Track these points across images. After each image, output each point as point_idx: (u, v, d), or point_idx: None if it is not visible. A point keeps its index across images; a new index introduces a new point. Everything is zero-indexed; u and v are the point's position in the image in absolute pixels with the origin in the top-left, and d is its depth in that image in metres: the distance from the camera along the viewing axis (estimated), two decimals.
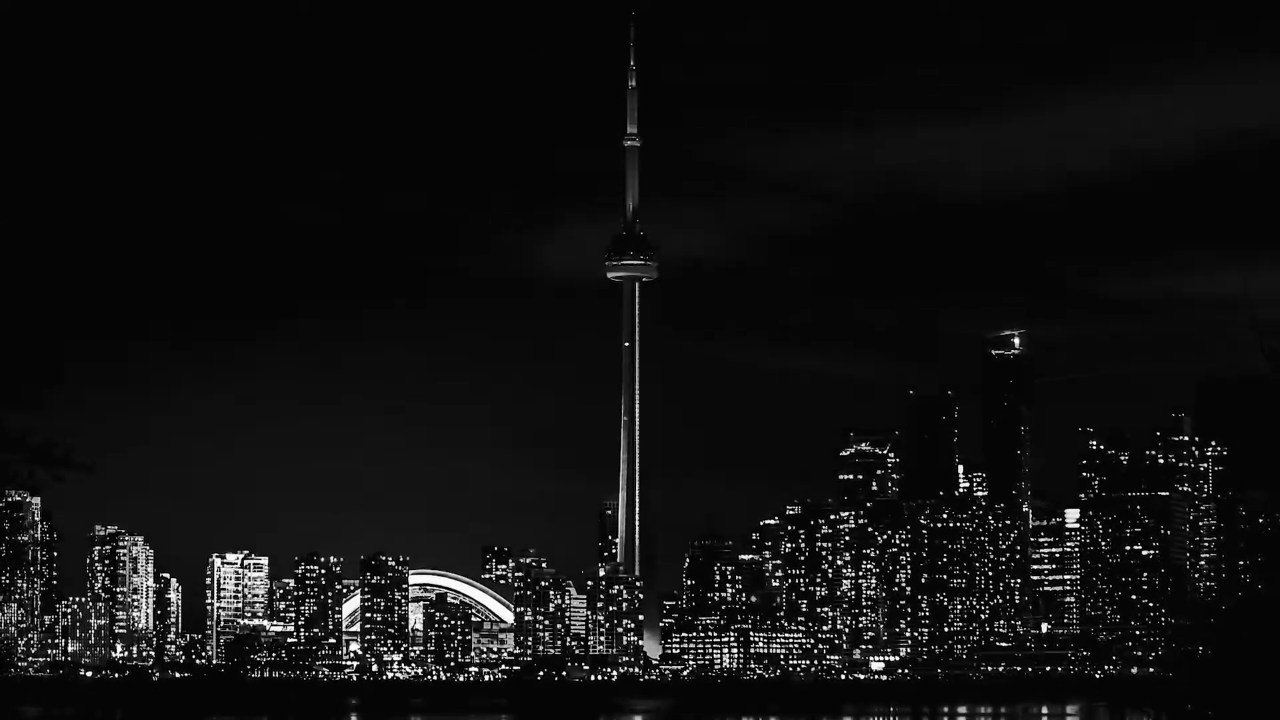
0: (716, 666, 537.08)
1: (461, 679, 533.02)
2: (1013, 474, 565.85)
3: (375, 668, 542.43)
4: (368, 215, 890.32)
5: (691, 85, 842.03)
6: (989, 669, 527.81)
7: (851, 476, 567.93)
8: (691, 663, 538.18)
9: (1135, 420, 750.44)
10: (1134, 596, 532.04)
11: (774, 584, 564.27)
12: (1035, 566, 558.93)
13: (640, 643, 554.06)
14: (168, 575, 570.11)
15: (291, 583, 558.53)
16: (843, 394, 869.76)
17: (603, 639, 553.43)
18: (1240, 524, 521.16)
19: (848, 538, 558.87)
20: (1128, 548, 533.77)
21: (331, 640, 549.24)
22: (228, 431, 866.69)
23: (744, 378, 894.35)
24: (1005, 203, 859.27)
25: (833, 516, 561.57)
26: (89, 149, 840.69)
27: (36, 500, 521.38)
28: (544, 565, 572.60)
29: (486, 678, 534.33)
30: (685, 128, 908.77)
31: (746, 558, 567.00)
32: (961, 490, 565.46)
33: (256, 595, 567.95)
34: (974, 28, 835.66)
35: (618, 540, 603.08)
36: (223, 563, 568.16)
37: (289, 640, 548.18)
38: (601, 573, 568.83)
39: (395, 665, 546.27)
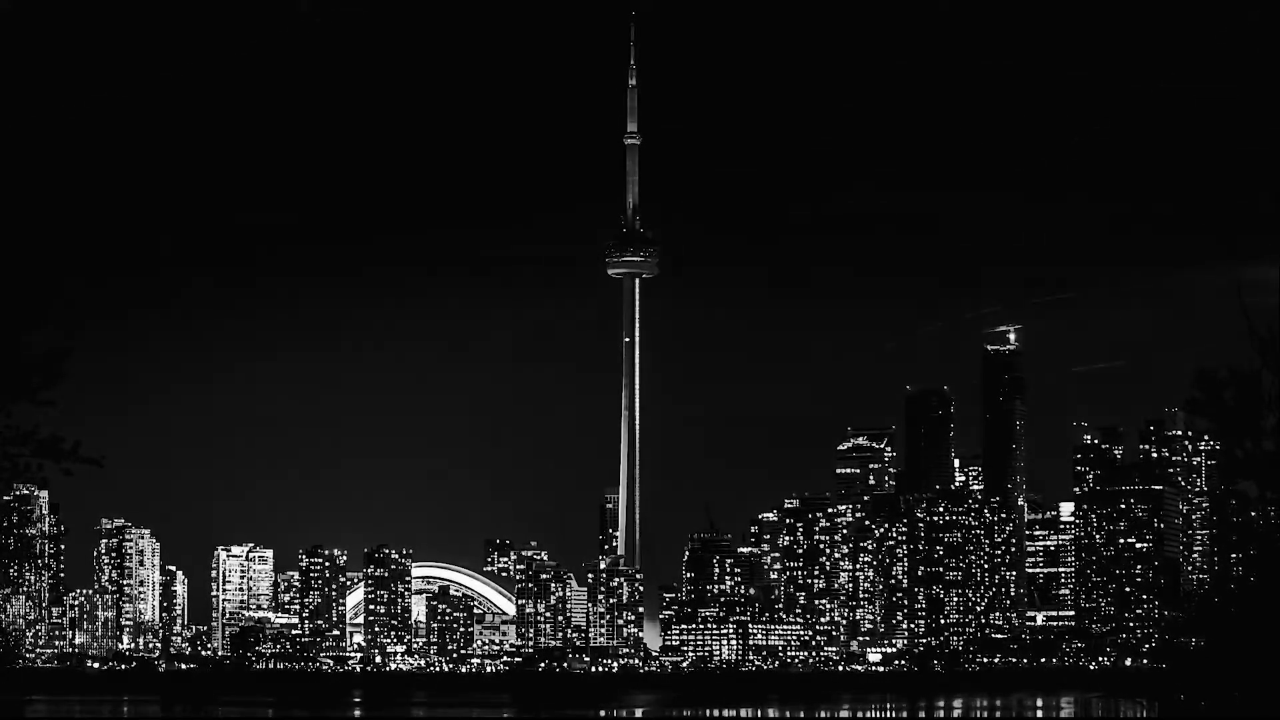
0: (715, 658, 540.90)
1: (464, 670, 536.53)
2: (1008, 468, 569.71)
3: (378, 659, 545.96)
4: (368, 213, 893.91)
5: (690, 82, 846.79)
6: (984, 660, 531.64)
7: (849, 470, 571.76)
8: (691, 654, 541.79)
9: (1128, 415, 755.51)
10: (1128, 589, 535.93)
11: (772, 576, 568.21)
12: (1030, 559, 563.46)
13: (640, 634, 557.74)
14: (174, 568, 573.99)
15: (296, 575, 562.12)
16: (841, 388, 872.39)
17: (603, 631, 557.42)
18: (1232, 517, 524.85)
19: (845, 531, 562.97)
20: (1121, 540, 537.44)
21: (335, 632, 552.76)
22: (233, 426, 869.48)
23: (743, 372, 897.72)
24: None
25: (830, 510, 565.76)
26: (97, 145, 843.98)
27: (44, 494, 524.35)
28: (545, 558, 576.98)
29: (488, 669, 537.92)
30: (685, 124, 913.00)
31: (745, 550, 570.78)
32: (958, 484, 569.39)
33: (261, 588, 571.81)
34: None
35: (618, 533, 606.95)
36: (228, 555, 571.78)
37: (293, 632, 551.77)
38: (602, 565, 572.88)
39: (398, 657, 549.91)
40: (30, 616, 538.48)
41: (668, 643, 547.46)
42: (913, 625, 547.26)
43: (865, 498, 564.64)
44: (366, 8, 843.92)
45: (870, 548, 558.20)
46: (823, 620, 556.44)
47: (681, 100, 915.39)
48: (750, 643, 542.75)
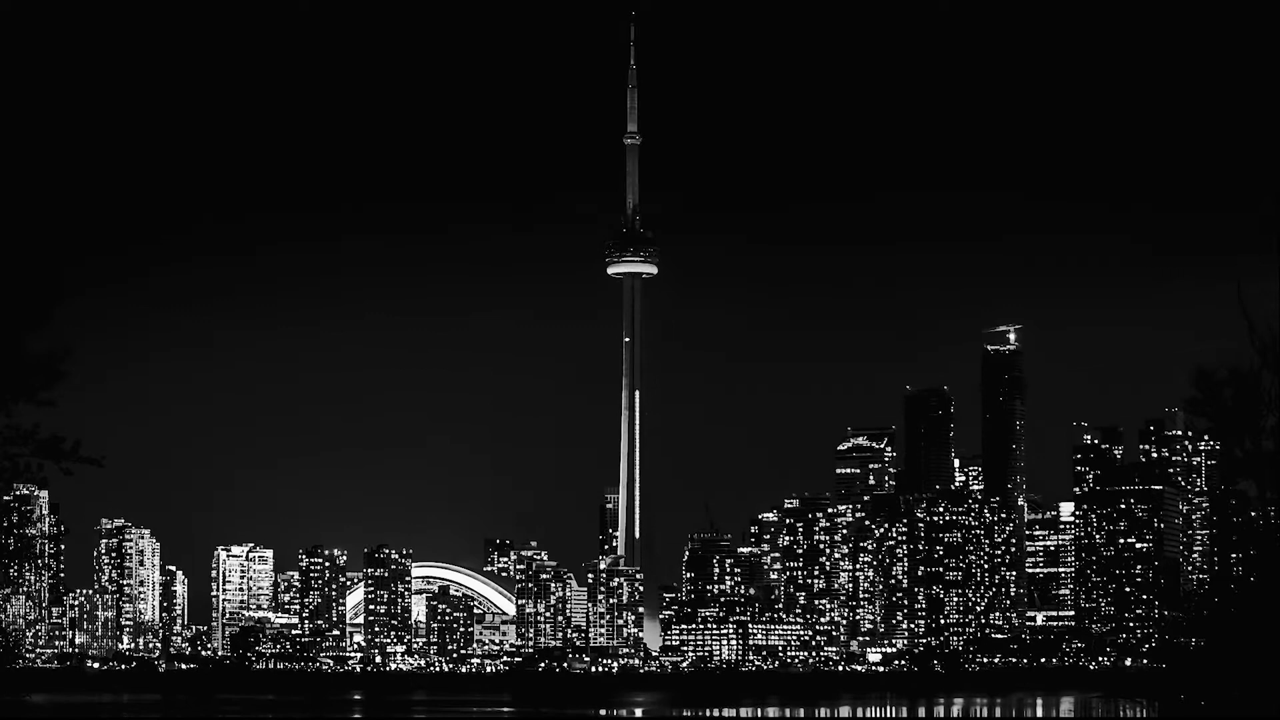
0: (715, 658, 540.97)
1: (464, 670, 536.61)
2: (1008, 468, 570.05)
3: (378, 659, 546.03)
4: (369, 212, 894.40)
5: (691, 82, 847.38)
6: (984, 660, 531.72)
7: (849, 470, 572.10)
8: (691, 654, 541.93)
9: (1129, 415, 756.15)
10: (1128, 589, 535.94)
11: (772, 576, 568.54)
12: (1030, 559, 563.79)
13: (640, 634, 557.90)
14: (174, 568, 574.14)
15: (296, 575, 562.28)
16: (841, 389, 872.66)
17: (603, 631, 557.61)
18: (1232, 517, 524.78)
19: (845, 531, 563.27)
20: (1121, 541, 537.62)
21: (335, 632, 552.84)
22: (233, 426, 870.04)
23: (743, 372, 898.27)
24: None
25: (830, 510, 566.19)
26: (96, 144, 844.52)
27: (44, 494, 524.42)
28: (545, 558, 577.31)
29: (488, 669, 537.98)
30: (685, 124, 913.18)
31: (745, 550, 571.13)
32: (958, 484, 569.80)
33: (261, 587, 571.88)
34: None
35: (618, 533, 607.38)
36: (228, 555, 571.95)
37: (293, 632, 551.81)
38: (602, 565, 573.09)
39: (398, 657, 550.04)
40: (30, 616, 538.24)
41: (668, 643, 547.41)
42: (913, 625, 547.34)
43: (865, 498, 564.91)
44: (366, 7, 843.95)
45: (870, 548, 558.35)
46: (823, 620, 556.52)
47: (681, 100, 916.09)
48: (750, 643, 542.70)
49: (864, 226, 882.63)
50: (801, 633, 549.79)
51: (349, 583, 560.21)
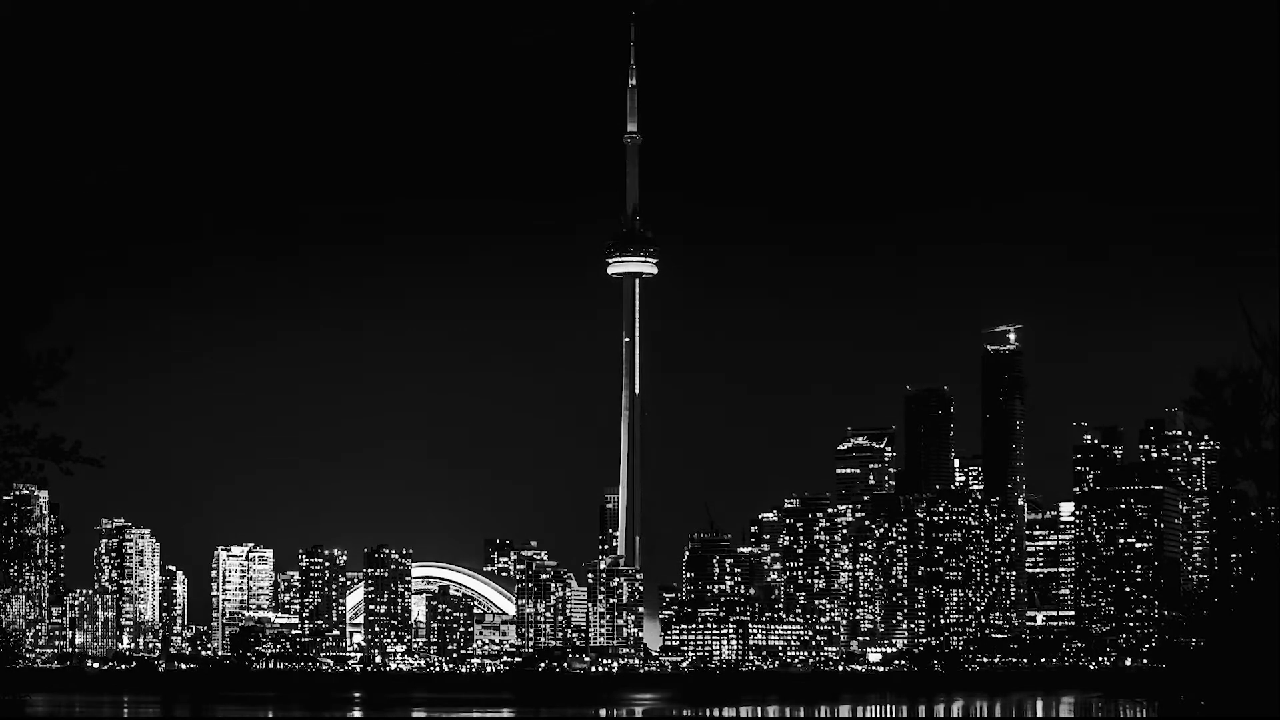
0: (715, 658, 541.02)
1: (464, 670, 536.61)
2: (1008, 468, 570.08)
3: (378, 659, 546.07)
4: (367, 214, 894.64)
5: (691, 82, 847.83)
6: (984, 660, 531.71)
7: (849, 470, 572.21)
8: (691, 654, 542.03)
9: (1129, 415, 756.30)
10: (1128, 589, 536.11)
11: (772, 576, 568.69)
12: (1030, 559, 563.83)
13: (640, 634, 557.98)
14: (174, 568, 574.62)
15: (296, 575, 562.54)
16: (841, 389, 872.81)
17: (603, 631, 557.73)
18: (1232, 517, 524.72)
19: (845, 531, 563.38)
20: (1121, 540, 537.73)
21: (335, 632, 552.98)
22: (233, 426, 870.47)
23: (743, 372, 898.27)
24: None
25: (830, 510, 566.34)
26: (98, 146, 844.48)
27: (44, 494, 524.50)
28: (545, 558, 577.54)
29: (488, 669, 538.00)
30: (685, 124, 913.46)
31: (745, 550, 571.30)
32: (958, 484, 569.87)
33: (261, 587, 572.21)
34: None
35: (618, 533, 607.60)
36: (228, 555, 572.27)
37: (293, 632, 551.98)
38: (602, 565, 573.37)
39: (398, 657, 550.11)
40: (30, 616, 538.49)
41: (668, 643, 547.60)
42: (913, 625, 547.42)
43: (865, 498, 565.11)
44: (368, 5, 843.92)
45: (870, 548, 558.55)
46: (823, 620, 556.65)
47: (681, 100, 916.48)
48: (750, 643, 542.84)
49: (864, 226, 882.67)
50: (801, 633, 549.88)
51: (349, 583, 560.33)
